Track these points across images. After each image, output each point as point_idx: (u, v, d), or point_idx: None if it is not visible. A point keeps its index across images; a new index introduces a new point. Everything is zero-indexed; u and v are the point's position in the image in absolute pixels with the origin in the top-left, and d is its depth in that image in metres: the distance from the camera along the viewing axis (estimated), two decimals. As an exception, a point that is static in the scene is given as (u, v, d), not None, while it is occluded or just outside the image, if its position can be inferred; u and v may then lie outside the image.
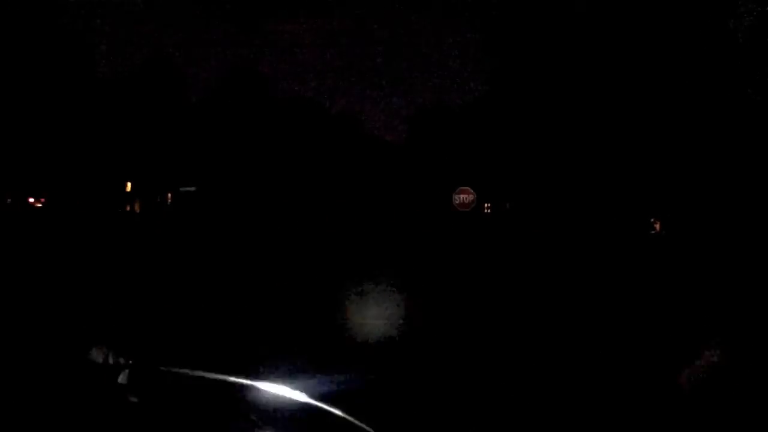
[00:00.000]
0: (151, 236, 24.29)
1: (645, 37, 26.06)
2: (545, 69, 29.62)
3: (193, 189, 47.70)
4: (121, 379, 1.81)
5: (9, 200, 40.97)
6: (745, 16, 23.67)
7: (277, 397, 1.67)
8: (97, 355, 1.85)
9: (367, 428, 1.58)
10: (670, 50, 25.56)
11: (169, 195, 49.72)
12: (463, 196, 20.10)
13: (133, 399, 1.80)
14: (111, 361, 1.82)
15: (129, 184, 47.83)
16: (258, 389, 1.70)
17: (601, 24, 27.53)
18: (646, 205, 27.52)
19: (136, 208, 48.29)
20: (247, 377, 1.73)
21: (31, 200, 42.27)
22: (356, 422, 1.59)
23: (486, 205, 39.89)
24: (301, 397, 1.65)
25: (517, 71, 31.38)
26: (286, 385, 1.67)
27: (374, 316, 8.33)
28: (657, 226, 27.34)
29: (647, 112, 26.22)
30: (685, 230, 25.81)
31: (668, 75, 25.67)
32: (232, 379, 1.73)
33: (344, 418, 1.58)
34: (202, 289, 10.56)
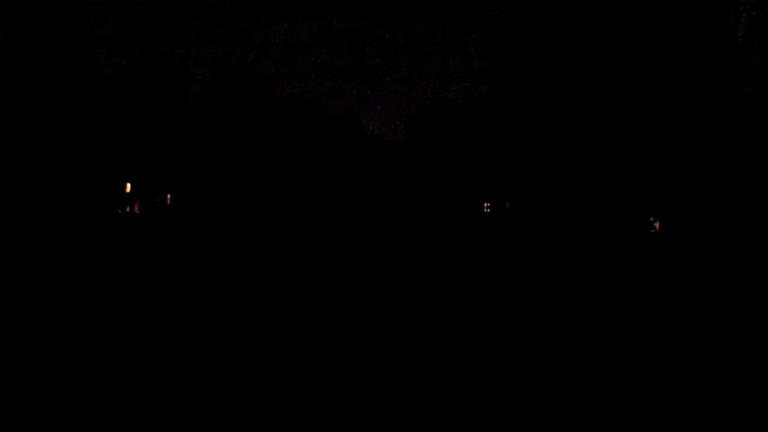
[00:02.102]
0: (151, 235, 24.27)
1: (644, 35, 26.03)
2: (544, 67, 29.59)
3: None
4: None
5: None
6: (744, 14, 23.65)
7: None
8: None
9: None
10: (669, 48, 25.53)
11: (169, 196, 49.72)
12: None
13: None
14: None
15: (129, 185, 47.84)
16: None
17: (600, 22, 27.50)
18: (646, 204, 27.50)
19: (136, 208, 48.30)
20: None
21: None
22: None
23: (486, 204, 39.87)
24: None
25: (516, 70, 31.36)
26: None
27: (374, 314, 8.31)
28: (656, 225, 27.34)
29: (646, 110, 26.18)
30: (685, 229, 25.78)
31: (667, 73, 25.64)
32: None
33: None
34: (204, 290, 10.53)
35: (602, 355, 6.32)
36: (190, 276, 12.37)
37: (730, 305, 9.54)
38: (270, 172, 49.75)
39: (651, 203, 27.13)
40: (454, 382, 5.34)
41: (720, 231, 23.86)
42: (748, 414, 4.58)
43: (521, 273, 13.69)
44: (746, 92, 23.97)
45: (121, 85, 45.96)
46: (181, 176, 47.93)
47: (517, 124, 31.92)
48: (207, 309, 8.69)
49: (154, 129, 45.73)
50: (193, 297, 9.75)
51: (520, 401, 4.84)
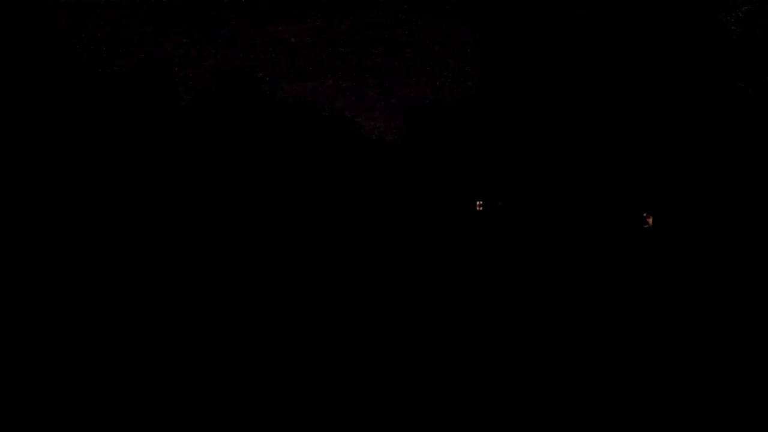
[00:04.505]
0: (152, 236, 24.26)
1: (638, 30, 26.00)
2: (537, 61, 29.55)
3: None
4: None
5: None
6: (739, 9, 23.59)
7: None
8: None
9: None
10: (663, 44, 25.49)
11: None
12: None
13: None
14: None
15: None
16: None
17: (594, 17, 27.47)
18: (639, 199, 27.47)
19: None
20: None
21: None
22: None
23: (478, 202, 39.80)
24: None
25: (510, 67, 31.33)
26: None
27: (373, 313, 8.28)
28: (649, 221, 27.29)
29: (640, 106, 26.15)
30: (679, 226, 25.74)
31: (662, 68, 25.60)
32: None
33: None
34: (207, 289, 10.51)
35: (599, 354, 6.27)
36: (190, 277, 12.35)
37: (726, 302, 9.49)
38: (269, 172, 49.82)
39: (644, 199, 27.09)
40: (452, 381, 5.30)
41: (715, 228, 23.81)
42: (747, 414, 4.52)
43: (516, 269, 13.66)
44: (740, 87, 23.91)
45: (119, 84, 45.94)
46: (179, 177, 47.98)
47: (511, 122, 31.89)
48: (206, 310, 8.67)
49: (150, 129, 45.77)
50: (192, 297, 9.73)
51: (518, 401, 4.79)
